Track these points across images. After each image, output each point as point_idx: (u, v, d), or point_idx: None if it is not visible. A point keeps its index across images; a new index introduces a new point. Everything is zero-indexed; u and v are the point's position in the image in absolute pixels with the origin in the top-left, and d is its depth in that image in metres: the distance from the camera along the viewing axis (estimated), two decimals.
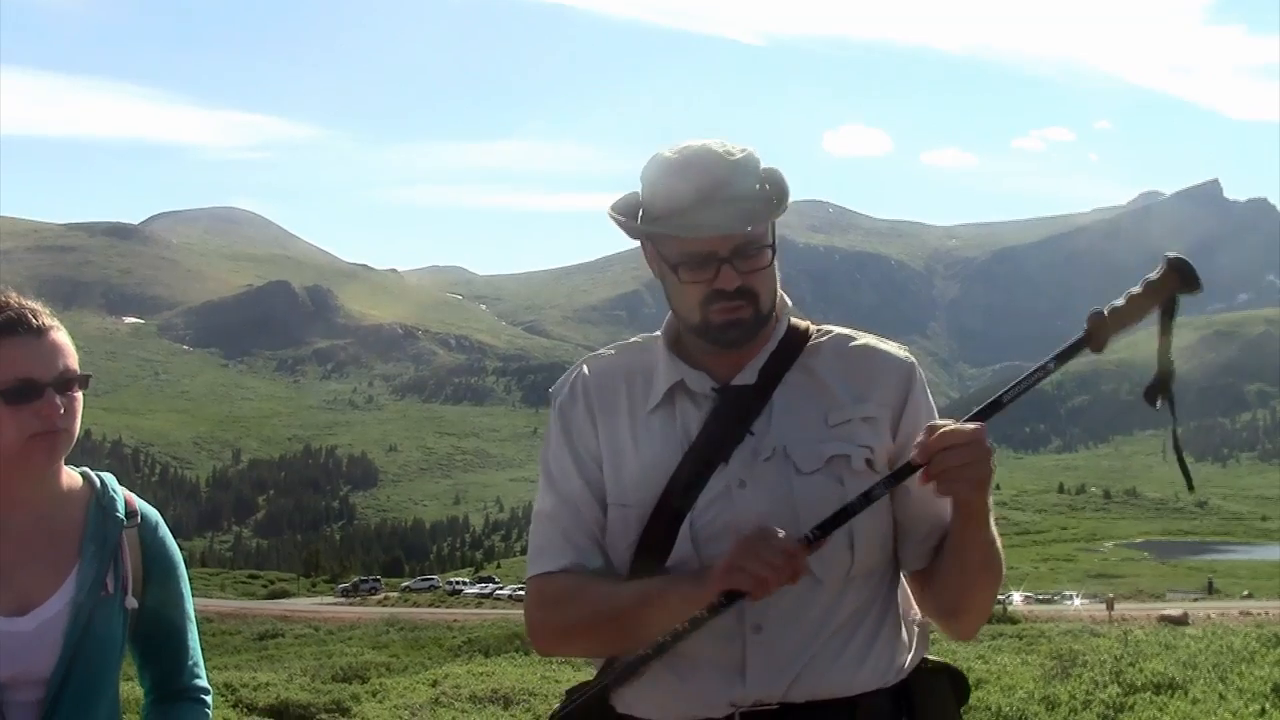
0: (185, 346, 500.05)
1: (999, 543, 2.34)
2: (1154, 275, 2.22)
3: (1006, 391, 2.20)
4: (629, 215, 2.40)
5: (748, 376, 2.40)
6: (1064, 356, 2.22)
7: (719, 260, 2.28)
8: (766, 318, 2.38)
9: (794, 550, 2.12)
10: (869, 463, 2.36)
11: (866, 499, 2.18)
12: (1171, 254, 2.23)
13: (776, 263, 2.38)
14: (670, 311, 2.48)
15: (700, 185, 2.28)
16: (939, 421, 2.21)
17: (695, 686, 2.30)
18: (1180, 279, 2.21)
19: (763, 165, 2.37)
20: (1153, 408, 2.31)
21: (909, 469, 2.17)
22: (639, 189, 2.42)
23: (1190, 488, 2.28)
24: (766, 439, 2.36)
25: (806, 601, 2.29)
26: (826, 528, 2.16)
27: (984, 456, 2.15)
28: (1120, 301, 2.22)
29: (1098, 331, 2.21)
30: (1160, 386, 2.32)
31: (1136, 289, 2.21)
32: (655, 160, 2.37)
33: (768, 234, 2.35)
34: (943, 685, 2.47)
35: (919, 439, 2.18)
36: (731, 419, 2.37)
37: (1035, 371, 2.22)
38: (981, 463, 2.15)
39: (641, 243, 2.44)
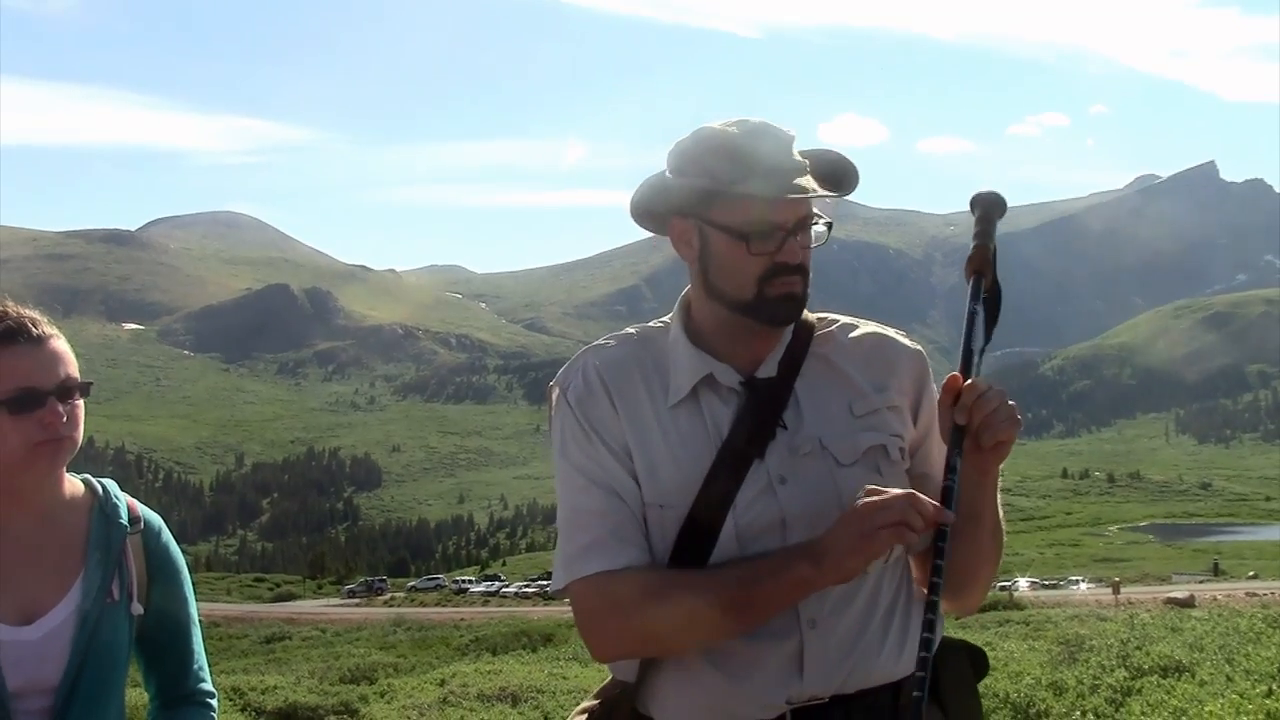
0: (186, 351, 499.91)
1: (1003, 517, 2.39)
2: (978, 216, 2.38)
3: (968, 340, 2.30)
4: (658, 195, 2.40)
5: (769, 369, 2.39)
6: (977, 296, 2.32)
7: (785, 232, 2.29)
8: (807, 299, 2.38)
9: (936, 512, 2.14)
10: (902, 451, 2.40)
11: (954, 471, 2.19)
12: (979, 193, 2.39)
13: None
14: (683, 303, 2.48)
15: (780, 152, 2.29)
16: (955, 375, 2.26)
17: (750, 686, 2.27)
18: (999, 211, 2.39)
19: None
20: (991, 318, 2.39)
21: (960, 431, 2.20)
22: (665, 172, 2.39)
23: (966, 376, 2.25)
24: (801, 433, 2.35)
25: (853, 592, 2.29)
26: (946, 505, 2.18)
27: (1006, 396, 2.20)
28: (975, 243, 2.35)
29: (985, 270, 2.33)
30: (992, 310, 2.38)
31: (976, 230, 2.37)
32: (709, 133, 2.34)
33: (817, 214, 2.37)
34: (963, 662, 2.49)
35: (949, 402, 2.22)
36: (763, 413, 2.35)
37: (972, 317, 2.32)
38: (1009, 401, 2.20)
39: (671, 224, 2.41)
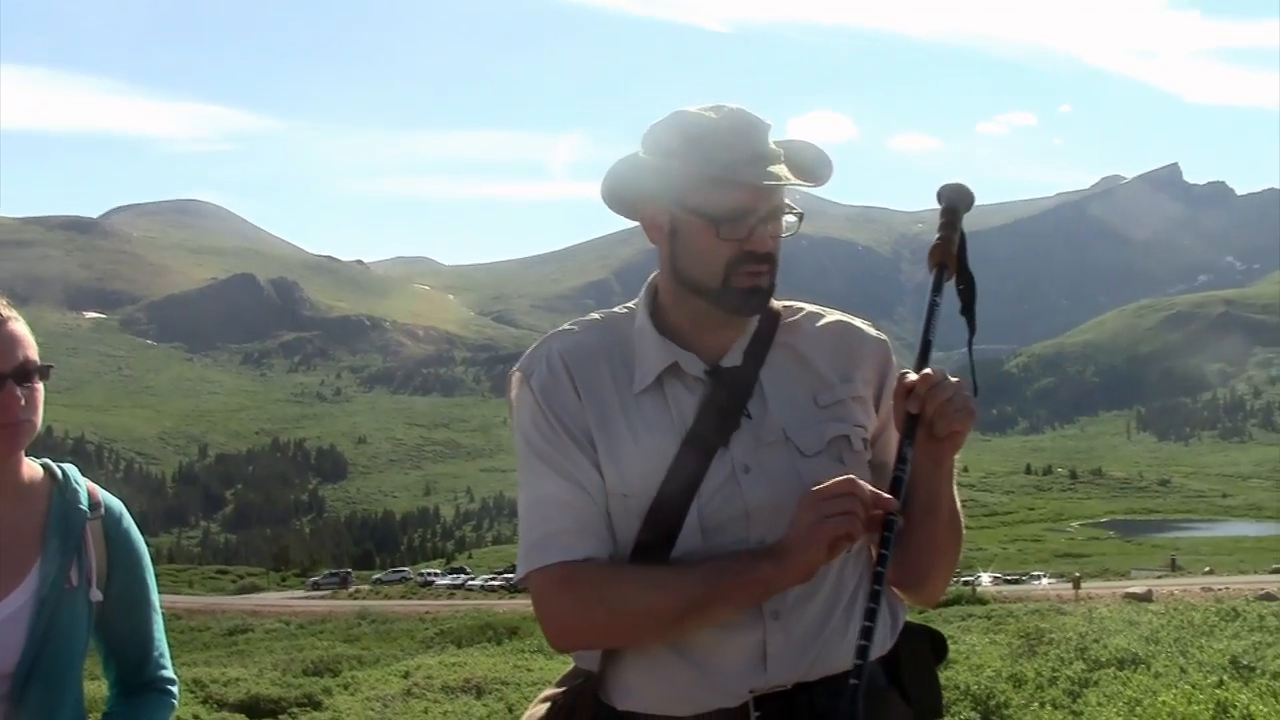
0: (149, 341, 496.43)
1: (960, 509, 2.38)
2: (943, 209, 2.39)
3: (926, 331, 2.33)
4: (631, 177, 2.38)
5: (734, 358, 2.38)
6: (938, 288, 2.33)
7: (756, 219, 2.28)
8: (774, 290, 2.37)
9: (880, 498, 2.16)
10: (865, 442, 2.39)
11: (904, 461, 2.20)
12: (945, 185, 2.41)
13: None
14: (649, 289, 2.46)
15: (756, 140, 2.28)
16: (906, 371, 2.28)
17: (713, 677, 2.27)
18: (966, 204, 2.40)
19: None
20: (965, 319, 2.44)
21: (914, 421, 2.20)
22: (639, 152, 2.37)
23: (974, 392, 2.26)
24: (766, 422, 2.34)
25: (816, 584, 2.28)
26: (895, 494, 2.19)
27: (962, 387, 2.21)
28: (939, 236, 2.36)
29: (947, 262, 2.33)
30: (967, 303, 2.41)
31: (941, 222, 2.38)
32: (686, 117, 2.32)
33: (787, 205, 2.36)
34: (923, 646, 2.50)
35: (903, 392, 2.22)
36: (728, 402, 2.34)
37: (932, 309, 2.33)
38: (964, 392, 2.21)
39: (643, 207, 2.40)
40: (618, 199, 2.43)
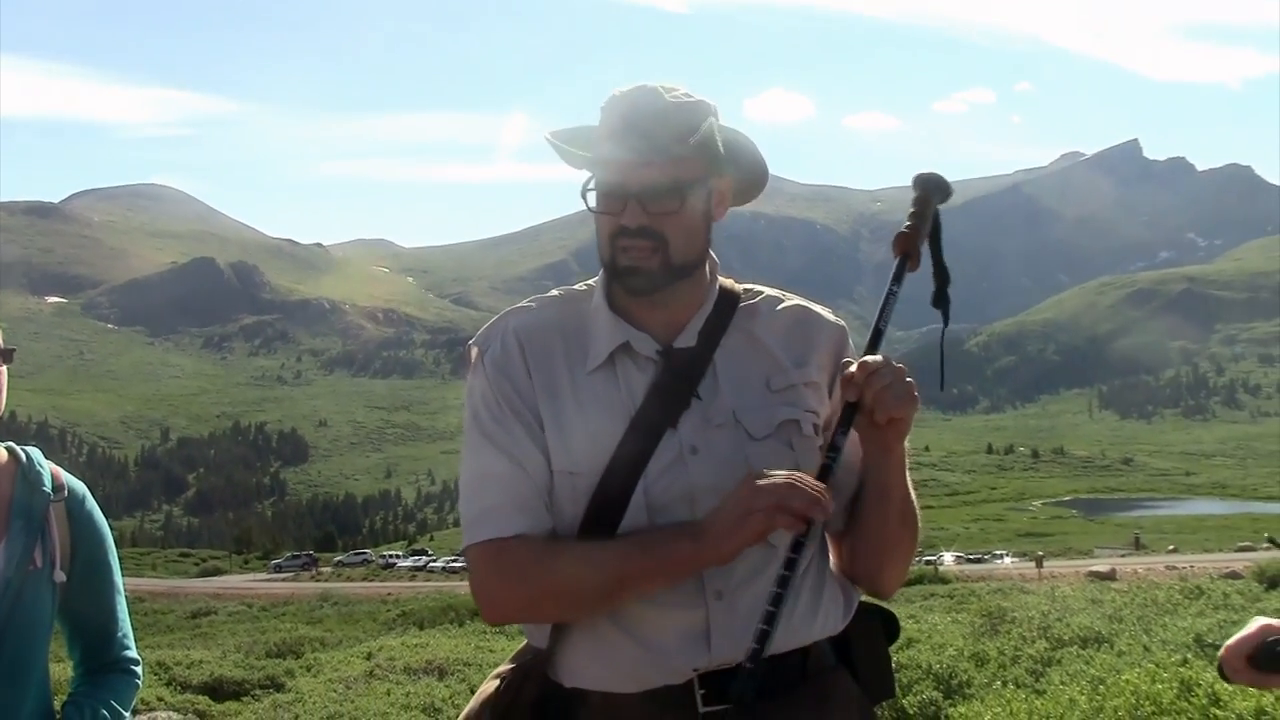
0: (110, 325, 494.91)
1: (914, 498, 2.38)
2: (915, 198, 2.35)
3: (879, 319, 2.30)
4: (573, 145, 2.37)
5: (688, 338, 2.37)
6: (899, 278, 2.30)
7: (628, 195, 2.26)
8: (680, 270, 2.33)
9: (822, 489, 2.12)
10: (815, 427, 2.37)
11: (836, 450, 2.18)
12: (920, 174, 2.37)
13: (703, 219, 2.35)
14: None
15: (624, 116, 2.27)
16: (848, 359, 2.27)
17: (657, 655, 2.26)
18: (940, 194, 2.37)
19: (719, 124, 2.32)
20: (939, 310, 2.42)
21: (852, 409, 2.18)
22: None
23: (941, 386, 2.31)
24: (716, 404, 2.33)
25: (762, 565, 2.26)
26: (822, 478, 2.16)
27: (903, 373, 2.18)
28: (906, 225, 2.32)
29: (911, 252, 2.30)
30: (940, 293, 2.42)
31: (911, 211, 2.34)
32: (606, 100, 2.35)
33: (687, 180, 2.28)
34: (875, 627, 2.50)
35: (841, 380, 2.20)
36: (678, 383, 2.34)
37: (888, 298, 2.29)
38: (906, 378, 2.18)
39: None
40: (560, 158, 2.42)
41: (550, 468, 2.32)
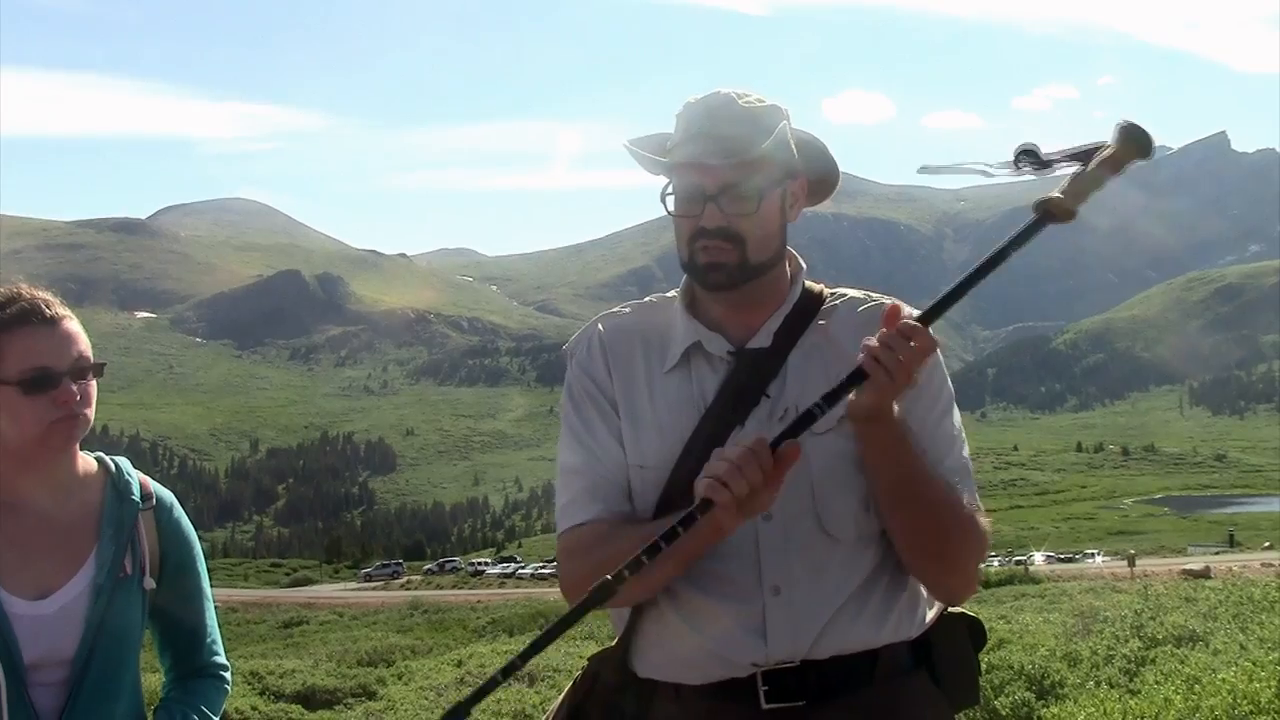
0: (198, 339, 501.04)
1: (959, 500, 2.32)
2: (1111, 147, 2.06)
3: (959, 285, 2.14)
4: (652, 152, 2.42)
5: (763, 339, 2.42)
6: (1021, 240, 2.09)
7: (706, 197, 2.31)
8: (757, 269, 2.38)
9: (756, 445, 2.08)
10: None
11: (828, 400, 2.12)
12: (1124, 122, 2.06)
13: (778, 220, 2.40)
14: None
15: (699, 122, 2.33)
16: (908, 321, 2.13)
17: (715, 647, 2.31)
18: (1137, 149, 2.05)
19: (791, 127, 2.37)
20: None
21: (860, 374, 2.13)
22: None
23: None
24: (782, 401, 2.37)
25: (824, 562, 2.30)
26: (788, 435, 2.10)
27: (918, 358, 2.12)
28: (1066, 185, 2.07)
29: (1056, 212, 2.06)
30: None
31: (1091, 165, 2.06)
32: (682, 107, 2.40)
33: (762, 182, 2.33)
34: (960, 633, 2.50)
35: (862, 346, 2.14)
36: (748, 383, 2.38)
37: (994, 256, 2.09)
38: (898, 333, 2.12)
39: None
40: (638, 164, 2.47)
41: (626, 461, 2.40)
